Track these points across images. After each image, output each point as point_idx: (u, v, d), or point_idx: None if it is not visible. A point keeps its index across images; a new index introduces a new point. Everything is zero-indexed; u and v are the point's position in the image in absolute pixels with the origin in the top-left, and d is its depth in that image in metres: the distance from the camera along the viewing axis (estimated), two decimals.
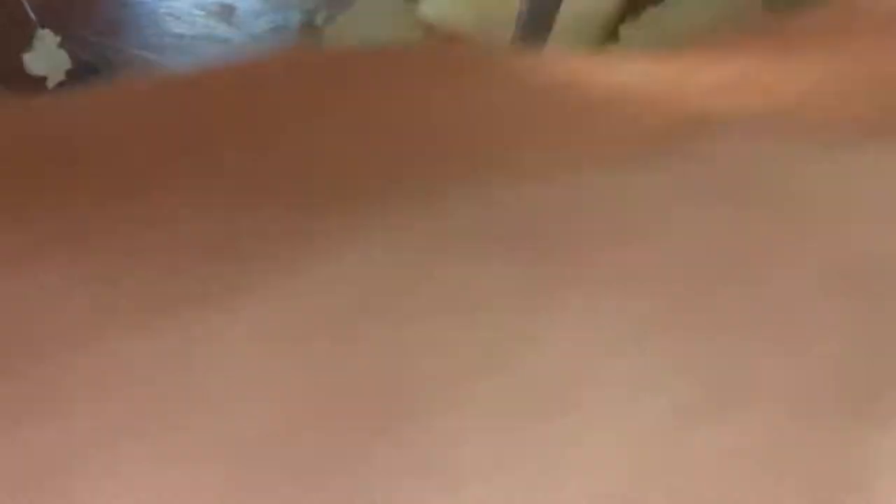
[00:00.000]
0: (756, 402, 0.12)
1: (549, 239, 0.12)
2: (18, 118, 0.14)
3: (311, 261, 0.12)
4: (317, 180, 0.13)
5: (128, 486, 0.11)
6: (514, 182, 0.13)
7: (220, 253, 0.12)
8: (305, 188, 0.13)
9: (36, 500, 0.11)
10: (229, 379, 0.12)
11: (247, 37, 0.55)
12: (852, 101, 0.14)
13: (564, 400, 0.12)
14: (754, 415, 0.12)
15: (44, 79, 0.53)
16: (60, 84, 0.53)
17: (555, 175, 0.13)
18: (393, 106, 0.14)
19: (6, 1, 0.53)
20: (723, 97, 0.14)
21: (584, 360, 0.12)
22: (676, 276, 0.12)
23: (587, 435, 0.12)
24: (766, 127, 0.13)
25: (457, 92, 0.14)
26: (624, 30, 0.46)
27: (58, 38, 0.54)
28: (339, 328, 0.12)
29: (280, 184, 0.13)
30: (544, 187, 0.13)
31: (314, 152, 0.13)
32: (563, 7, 0.45)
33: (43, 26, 0.53)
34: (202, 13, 0.55)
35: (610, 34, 0.47)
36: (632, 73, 0.15)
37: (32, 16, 0.53)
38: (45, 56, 0.53)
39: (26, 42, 0.53)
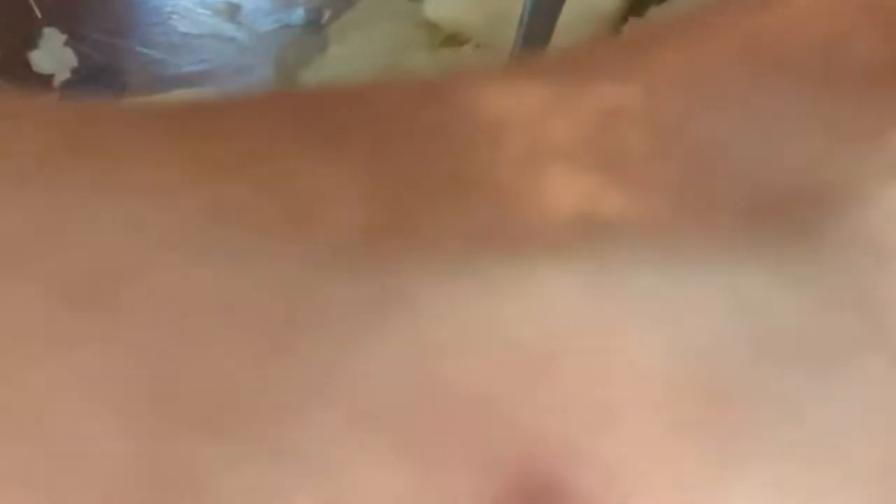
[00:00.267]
0: None
1: None
2: None
3: None
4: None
5: None
6: None
7: None
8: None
9: None
10: None
11: (253, 35, 0.55)
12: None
13: None
14: None
15: (50, 77, 0.54)
16: (66, 82, 0.54)
17: None
18: None
19: None
20: None
21: None
22: None
23: None
24: None
25: None
26: (628, 27, 0.46)
27: (64, 37, 0.54)
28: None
29: None
30: None
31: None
32: (566, 4, 0.46)
33: (49, 24, 0.54)
34: (208, 12, 0.55)
35: (613, 33, 0.47)
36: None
37: (38, 14, 0.54)
38: (52, 54, 0.54)
39: (33, 40, 0.54)
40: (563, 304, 0.13)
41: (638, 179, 0.14)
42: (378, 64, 0.51)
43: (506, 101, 0.14)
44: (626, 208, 0.13)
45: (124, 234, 0.13)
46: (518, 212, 0.13)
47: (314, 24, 0.55)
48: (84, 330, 0.12)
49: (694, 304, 0.13)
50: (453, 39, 0.51)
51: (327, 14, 0.54)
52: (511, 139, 0.14)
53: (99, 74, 0.54)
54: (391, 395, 0.12)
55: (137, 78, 0.54)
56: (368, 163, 0.14)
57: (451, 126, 0.14)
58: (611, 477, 0.12)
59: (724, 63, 0.15)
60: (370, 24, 0.52)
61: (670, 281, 0.13)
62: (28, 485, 0.11)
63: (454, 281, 0.13)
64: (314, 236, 0.13)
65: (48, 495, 0.11)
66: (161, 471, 0.12)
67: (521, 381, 0.12)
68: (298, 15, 0.55)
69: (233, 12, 0.55)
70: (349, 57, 0.52)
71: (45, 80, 0.53)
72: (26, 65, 0.53)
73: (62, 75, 0.54)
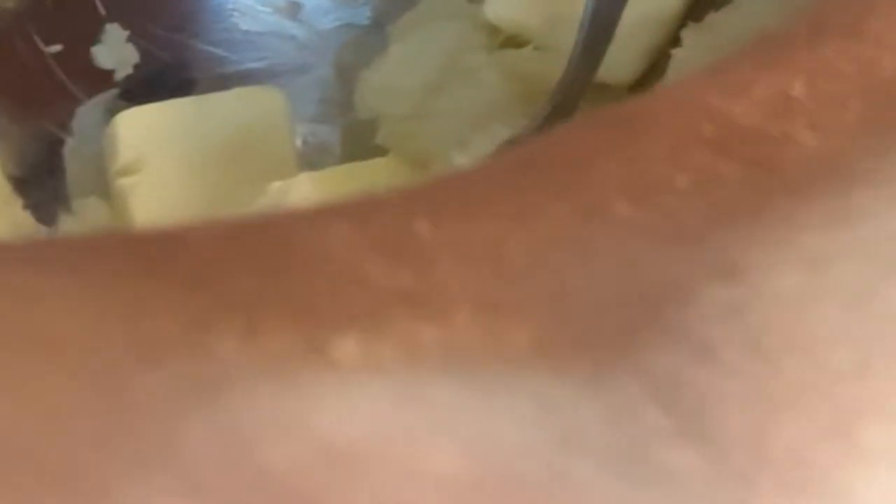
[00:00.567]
0: None
1: None
2: None
3: None
4: None
5: None
6: None
7: None
8: None
9: None
10: None
11: (313, 34, 0.55)
12: None
13: None
14: None
15: (111, 72, 0.54)
16: (128, 78, 0.54)
17: None
18: None
19: None
20: None
21: None
22: None
23: None
24: None
25: None
26: (686, 34, 0.45)
27: (126, 33, 0.54)
28: None
29: None
30: None
31: None
32: (626, 8, 0.45)
33: (112, 20, 0.54)
34: (269, 9, 0.56)
35: (672, 38, 0.47)
36: None
37: (101, 10, 0.54)
38: (114, 50, 0.54)
39: (95, 35, 0.54)
40: (371, 410, 0.13)
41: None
42: (438, 65, 0.51)
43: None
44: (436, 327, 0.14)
45: None
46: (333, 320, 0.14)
47: (375, 24, 0.55)
48: None
49: (499, 410, 0.14)
50: (513, 41, 0.51)
51: (388, 14, 0.54)
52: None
53: (160, 71, 0.54)
54: (209, 472, 0.13)
55: (199, 75, 0.55)
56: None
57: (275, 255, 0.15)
58: None
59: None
60: (430, 25, 0.52)
61: (477, 390, 0.14)
62: None
63: (273, 379, 0.13)
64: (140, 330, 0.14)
65: None
66: None
67: (330, 476, 0.13)
68: (359, 14, 0.55)
69: (294, 10, 0.56)
70: (409, 57, 0.52)
71: (106, 76, 0.54)
72: (88, 60, 0.54)
73: (123, 71, 0.54)
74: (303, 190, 0.45)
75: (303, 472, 0.13)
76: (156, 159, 0.49)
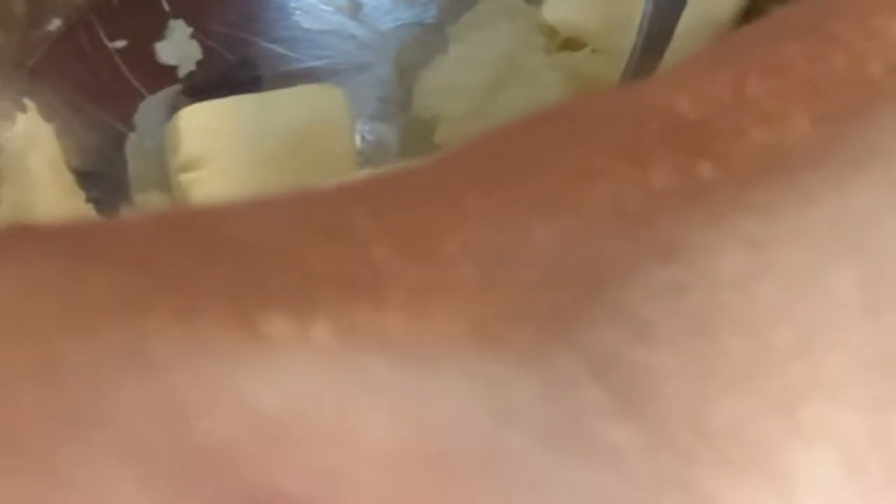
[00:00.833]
0: None
1: None
2: None
3: None
4: None
5: None
6: None
7: None
8: None
9: None
10: None
11: (374, 33, 0.56)
12: None
13: None
14: None
15: (174, 68, 0.55)
16: (190, 74, 0.55)
17: None
18: None
19: None
20: None
21: None
22: None
23: None
24: None
25: None
26: None
27: (190, 29, 0.55)
28: None
29: None
30: None
31: None
32: (686, 10, 0.45)
33: (176, 17, 0.55)
34: (330, 8, 0.56)
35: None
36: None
37: (166, 6, 0.55)
38: (177, 46, 0.55)
39: (159, 31, 0.55)
40: (304, 382, 0.14)
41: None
42: (497, 66, 0.52)
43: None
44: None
45: None
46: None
47: (434, 24, 0.55)
48: None
49: (434, 386, 0.14)
50: (571, 43, 0.51)
51: (448, 14, 0.55)
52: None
53: (223, 68, 0.55)
54: (145, 438, 0.13)
55: (261, 72, 0.55)
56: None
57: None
58: None
59: None
60: (489, 26, 0.53)
61: (411, 367, 0.14)
62: None
63: (208, 354, 0.14)
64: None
65: None
66: None
67: (263, 446, 0.13)
68: (419, 14, 0.56)
69: (355, 9, 0.56)
70: (468, 57, 0.52)
71: (169, 72, 0.54)
72: (152, 56, 0.54)
73: (186, 67, 0.55)
74: None
75: (237, 441, 0.13)
76: (217, 155, 0.50)
